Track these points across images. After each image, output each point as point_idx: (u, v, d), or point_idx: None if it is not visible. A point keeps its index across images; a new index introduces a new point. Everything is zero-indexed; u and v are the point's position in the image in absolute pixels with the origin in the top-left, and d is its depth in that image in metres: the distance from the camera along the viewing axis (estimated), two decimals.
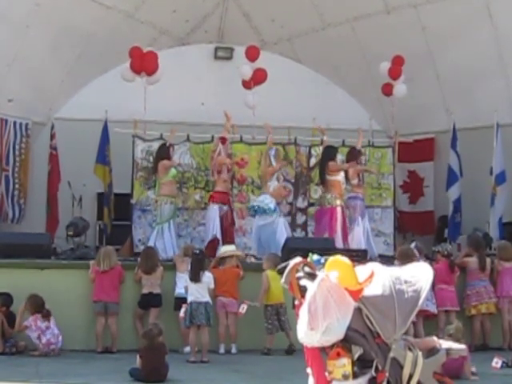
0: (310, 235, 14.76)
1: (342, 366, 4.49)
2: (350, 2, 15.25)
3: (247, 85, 14.47)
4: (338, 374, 4.50)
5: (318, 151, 14.90)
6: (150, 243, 13.03)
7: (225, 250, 12.01)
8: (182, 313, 10.76)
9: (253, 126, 14.41)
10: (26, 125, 15.12)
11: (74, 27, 14.47)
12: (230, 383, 9.41)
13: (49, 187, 15.04)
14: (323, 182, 13.87)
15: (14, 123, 14.86)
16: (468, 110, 15.32)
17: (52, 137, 15.06)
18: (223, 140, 13.92)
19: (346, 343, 4.53)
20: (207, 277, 10.83)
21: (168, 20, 15.76)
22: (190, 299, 10.70)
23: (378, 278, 4.61)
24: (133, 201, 14.29)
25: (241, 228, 14.56)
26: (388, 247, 14.82)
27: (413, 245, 12.48)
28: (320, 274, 4.55)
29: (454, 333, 9.60)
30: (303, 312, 4.50)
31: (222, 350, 11.38)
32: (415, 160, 16.44)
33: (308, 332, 4.49)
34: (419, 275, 4.71)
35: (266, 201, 13.45)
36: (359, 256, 11.80)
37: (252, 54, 14.42)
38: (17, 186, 14.93)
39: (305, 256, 4.77)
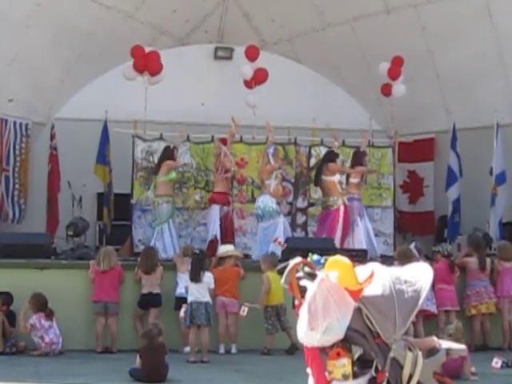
0: (310, 235, 14.76)
1: (342, 366, 4.49)
2: (350, 3, 15.25)
3: (249, 84, 14.47)
4: (338, 374, 4.50)
5: (317, 151, 14.91)
6: (151, 244, 13.03)
7: (223, 249, 11.99)
8: (182, 313, 10.76)
9: (253, 126, 14.41)
10: (26, 125, 15.13)
11: (74, 27, 14.48)
12: (230, 383, 9.42)
13: (49, 187, 15.03)
14: (318, 183, 13.84)
15: (14, 123, 14.86)
16: (468, 110, 15.32)
17: (52, 137, 15.06)
18: (224, 141, 13.92)
19: (345, 343, 4.53)
20: (208, 277, 10.82)
21: (168, 20, 15.76)
22: (190, 299, 10.69)
23: (378, 278, 4.61)
24: (133, 201, 14.30)
25: (241, 228, 14.56)
26: (388, 247, 14.82)
27: (412, 245, 12.48)
28: (320, 274, 4.55)
29: (453, 333, 9.60)
30: (303, 312, 4.50)
31: (221, 350, 11.38)
32: (415, 160, 16.45)
33: (308, 332, 4.49)
34: (419, 275, 4.71)
35: (269, 203, 13.41)
36: (359, 256, 11.82)
37: (252, 54, 14.43)
38: (17, 186, 14.93)
39: (305, 256, 4.78)
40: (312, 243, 12.96)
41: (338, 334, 4.49)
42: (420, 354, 4.62)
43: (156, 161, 13.97)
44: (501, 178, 14.58)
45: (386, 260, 12.63)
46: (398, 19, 15.03)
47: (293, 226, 14.74)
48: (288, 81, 16.15)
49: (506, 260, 12.38)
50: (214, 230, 13.33)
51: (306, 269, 4.66)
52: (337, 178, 13.86)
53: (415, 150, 16.14)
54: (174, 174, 13.59)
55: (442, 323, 11.71)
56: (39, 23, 14.08)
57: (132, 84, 14.08)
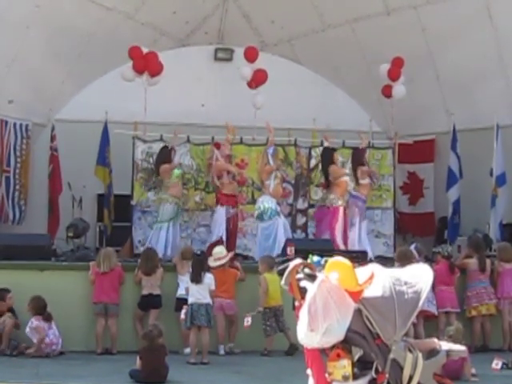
0: (310, 236, 14.76)
1: (342, 367, 4.49)
2: (350, 4, 15.25)
3: (251, 85, 14.48)
4: (338, 376, 4.50)
5: (318, 152, 14.91)
6: (148, 242, 13.05)
7: (216, 251, 11.86)
8: (182, 314, 10.76)
9: (253, 128, 14.41)
10: (27, 126, 15.12)
11: (74, 28, 14.47)
12: None
13: (50, 188, 15.03)
14: (328, 184, 13.86)
15: (14, 124, 14.85)
16: (468, 111, 15.32)
17: (52, 138, 15.05)
18: (217, 145, 13.95)
19: (346, 344, 4.52)
20: (208, 278, 10.82)
21: (168, 21, 15.76)
22: (190, 300, 10.69)
23: (378, 280, 4.61)
24: (133, 202, 14.31)
25: (241, 229, 14.54)
26: (388, 248, 14.81)
27: (413, 246, 12.48)
28: (320, 276, 4.54)
29: (454, 334, 9.60)
30: (303, 313, 4.50)
31: (221, 351, 11.38)
32: (415, 161, 16.45)
33: (308, 333, 4.49)
34: (419, 276, 4.71)
35: (268, 203, 13.40)
36: (359, 257, 11.81)
37: (251, 55, 14.43)
38: (18, 187, 14.93)
39: (305, 257, 4.77)
40: (312, 244, 12.95)
41: (338, 335, 4.48)
42: (420, 355, 4.62)
43: (155, 160, 14.00)
44: (501, 180, 14.58)
45: (386, 261, 12.67)
46: (398, 20, 15.03)
47: (293, 227, 14.74)
48: (288, 82, 16.14)
49: (506, 261, 12.38)
50: (220, 231, 13.32)
51: (306, 270, 4.65)
52: (346, 177, 13.82)
53: (415, 151, 16.14)
54: (177, 172, 13.63)
55: (442, 324, 11.70)
56: (39, 24, 14.08)
57: (132, 85, 14.09)
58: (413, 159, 16.33)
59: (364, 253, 12.83)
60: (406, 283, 4.64)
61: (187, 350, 11.03)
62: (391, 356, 4.52)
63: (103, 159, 15.12)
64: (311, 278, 4.58)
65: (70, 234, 13.79)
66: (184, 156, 14.57)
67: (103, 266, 11.44)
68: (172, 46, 16.27)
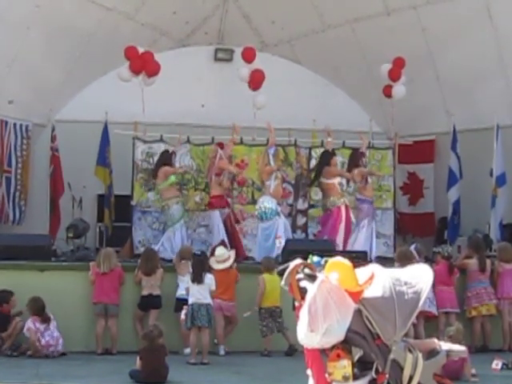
0: (311, 237, 14.76)
1: (343, 367, 4.49)
2: (350, 4, 15.25)
3: (251, 87, 14.48)
4: (339, 376, 4.50)
5: (318, 153, 14.91)
6: (159, 244, 13.05)
7: (218, 253, 11.84)
8: (182, 315, 10.75)
9: (253, 128, 14.41)
10: (27, 126, 15.12)
11: (74, 28, 14.47)
12: None
13: (52, 189, 15.03)
14: (318, 184, 13.93)
15: (15, 125, 14.85)
16: (468, 111, 15.32)
17: (53, 139, 15.06)
18: (221, 145, 13.94)
19: (346, 345, 4.52)
20: (209, 278, 10.81)
21: (168, 22, 15.76)
22: (191, 300, 10.68)
23: (378, 280, 4.61)
24: (133, 202, 14.31)
25: (241, 229, 14.57)
26: (388, 249, 14.82)
27: (413, 246, 12.48)
28: (320, 276, 4.54)
29: (454, 334, 9.60)
30: (303, 314, 4.50)
31: (222, 352, 11.37)
32: (415, 161, 16.45)
33: (308, 333, 4.49)
34: (419, 277, 4.71)
35: (269, 204, 13.40)
36: (359, 258, 11.81)
37: (248, 56, 14.43)
38: (19, 187, 14.92)
39: (305, 257, 4.77)
40: (312, 245, 12.95)
41: (338, 335, 4.48)
42: (420, 355, 4.62)
43: (155, 163, 14.00)
44: (501, 180, 14.58)
45: (386, 262, 12.67)
46: (398, 20, 15.03)
47: (293, 227, 14.75)
48: (288, 82, 16.14)
49: (506, 261, 12.38)
50: (221, 234, 13.32)
51: (306, 270, 4.65)
52: (336, 180, 13.88)
53: (415, 152, 16.14)
54: (172, 178, 13.59)
55: (442, 325, 11.70)
56: (39, 24, 14.08)
57: (132, 85, 14.08)
58: (413, 159, 16.33)
59: (364, 253, 12.84)
60: (406, 283, 4.64)
61: (187, 351, 11.03)
62: (391, 356, 4.52)
63: (103, 159, 15.13)
64: (311, 278, 4.58)
65: (70, 235, 13.80)
66: (184, 156, 14.58)
67: (103, 267, 11.43)
68: (172, 46, 16.28)
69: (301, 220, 15.15)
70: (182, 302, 11.01)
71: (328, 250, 10.89)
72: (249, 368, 10.46)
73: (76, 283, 11.61)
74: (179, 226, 13.39)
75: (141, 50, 13.93)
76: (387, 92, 15.07)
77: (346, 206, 13.74)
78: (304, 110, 15.82)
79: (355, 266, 4.61)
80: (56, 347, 10.87)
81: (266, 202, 13.43)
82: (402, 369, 4.56)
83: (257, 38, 16.34)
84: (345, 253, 11.99)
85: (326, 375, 4.57)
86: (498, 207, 14.54)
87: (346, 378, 4.49)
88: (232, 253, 11.91)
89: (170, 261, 12.33)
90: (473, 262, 12.33)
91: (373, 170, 14.74)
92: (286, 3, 15.41)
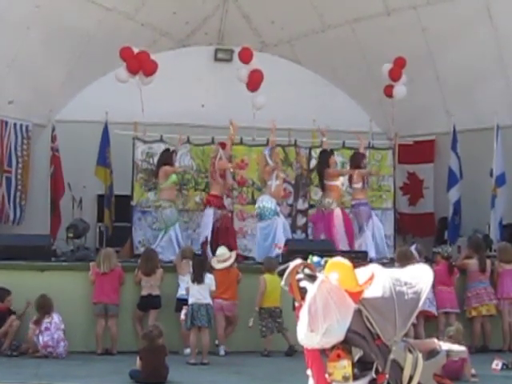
0: (310, 237, 14.76)
1: (343, 367, 4.49)
2: (350, 4, 15.24)
3: (250, 88, 14.48)
4: (339, 376, 4.50)
5: (318, 153, 14.90)
6: (155, 246, 13.04)
7: (219, 252, 11.86)
8: (182, 315, 10.76)
9: (253, 128, 14.42)
10: (27, 126, 15.11)
11: (74, 29, 14.47)
12: None
13: (53, 189, 15.03)
14: (322, 186, 13.94)
15: (15, 125, 14.84)
16: (468, 111, 15.31)
17: (53, 139, 15.05)
18: (223, 145, 13.93)
19: (346, 345, 4.52)
20: (209, 278, 10.81)
21: (168, 22, 15.76)
22: (191, 300, 10.68)
23: (378, 280, 4.61)
24: (133, 202, 14.31)
25: (241, 230, 14.57)
26: (388, 249, 14.79)
27: (413, 247, 12.48)
28: (320, 276, 4.54)
29: (454, 334, 9.60)
30: (303, 314, 4.50)
31: (222, 352, 11.37)
32: (415, 162, 16.45)
33: (308, 334, 4.49)
34: (419, 277, 4.71)
35: (268, 203, 13.40)
36: (359, 258, 11.83)
37: (246, 56, 14.43)
38: (19, 187, 14.92)
39: (305, 257, 4.78)
40: (312, 245, 12.95)
41: (338, 335, 4.48)
42: (420, 355, 4.62)
43: (156, 162, 13.99)
44: (501, 180, 14.58)
45: (386, 262, 12.67)
46: (398, 20, 15.03)
47: (293, 227, 14.75)
48: (288, 82, 16.14)
49: (507, 262, 12.38)
50: (206, 232, 13.31)
51: (306, 270, 4.66)
52: (339, 181, 13.86)
53: (415, 152, 16.14)
54: (174, 177, 13.55)
55: (441, 325, 11.71)
56: (39, 24, 14.07)
57: (132, 86, 14.07)
58: (413, 160, 16.32)
59: (364, 253, 12.84)
60: (406, 284, 4.65)
61: (187, 351, 11.03)
62: (391, 356, 4.52)
63: (103, 160, 15.12)
64: (311, 278, 4.58)
65: (70, 235, 13.79)
66: (184, 156, 14.57)
67: (103, 267, 11.44)
68: (172, 47, 16.27)
69: (301, 220, 15.15)
70: (183, 302, 11.01)
71: (328, 250, 10.89)
72: (249, 368, 10.46)
73: (76, 283, 11.61)
74: (173, 229, 13.33)
75: (135, 50, 13.91)
76: (388, 92, 15.07)
77: (342, 210, 13.74)
78: (304, 110, 15.81)
79: (355, 266, 4.61)
80: (55, 349, 10.83)
81: (265, 202, 13.43)
82: (401, 369, 4.56)
83: (257, 38, 16.34)
84: (345, 253, 11.98)
85: (326, 375, 4.57)
86: (498, 207, 14.54)
87: (345, 378, 4.49)
88: (233, 253, 11.93)
89: (165, 262, 12.33)
90: (473, 263, 12.33)
91: (372, 171, 14.73)
92: (286, 3, 15.41)
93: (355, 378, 4.51)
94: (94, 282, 11.47)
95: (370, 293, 4.56)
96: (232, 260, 11.70)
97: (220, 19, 16.15)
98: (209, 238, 13.13)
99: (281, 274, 4.75)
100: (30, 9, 13.78)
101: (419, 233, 16.14)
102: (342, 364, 4.49)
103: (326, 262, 4.67)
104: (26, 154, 15.08)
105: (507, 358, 10.59)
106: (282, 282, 4.73)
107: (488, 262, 12.38)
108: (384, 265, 5.00)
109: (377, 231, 13.94)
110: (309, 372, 4.71)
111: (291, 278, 4.65)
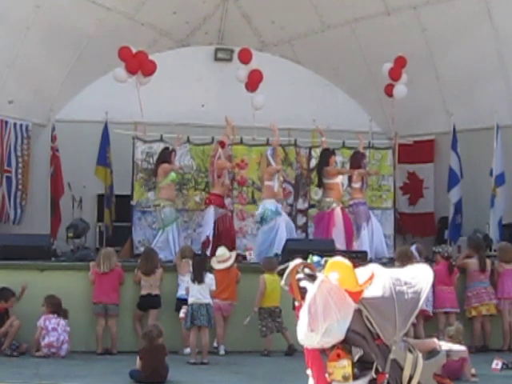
0: (311, 237, 14.76)
1: (343, 367, 4.50)
2: (350, 4, 15.24)
3: (248, 88, 14.48)
4: (339, 376, 4.50)
5: (318, 153, 14.90)
6: (153, 245, 13.03)
7: (219, 253, 11.85)
8: (181, 313, 10.75)
9: (253, 128, 14.42)
10: (27, 126, 15.10)
11: (73, 29, 14.47)
12: None
13: (52, 189, 15.03)
14: (321, 185, 13.95)
15: (15, 125, 14.83)
16: (468, 111, 15.31)
17: (53, 139, 15.05)
18: (222, 144, 13.93)
19: (346, 345, 4.53)
20: (209, 278, 10.80)
21: (168, 21, 15.76)
22: (190, 300, 10.67)
23: (378, 280, 4.61)
24: (133, 202, 14.31)
25: (241, 229, 14.57)
26: (388, 249, 14.80)
27: (414, 247, 12.48)
28: (320, 276, 4.55)
29: (454, 334, 9.60)
30: (303, 313, 4.50)
31: (222, 352, 11.37)
32: (415, 161, 16.44)
33: (308, 333, 4.49)
34: (419, 276, 4.72)
35: (267, 207, 13.38)
36: (359, 257, 11.82)
37: (245, 57, 14.43)
38: (19, 187, 14.91)
39: (305, 257, 4.78)
40: (312, 245, 12.95)
41: (338, 335, 4.49)
42: (420, 355, 4.62)
43: (155, 161, 14.01)
44: (500, 179, 14.58)
45: (386, 261, 12.68)
46: (398, 20, 15.03)
47: None
48: (288, 82, 16.14)
49: (507, 262, 12.38)
50: (208, 231, 13.31)
51: (306, 270, 4.66)
52: (339, 179, 13.87)
53: (415, 152, 16.14)
54: (173, 175, 13.52)
55: (441, 325, 11.71)
56: (39, 24, 14.07)
57: (132, 86, 14.08)
58: (413, 159, 16.32)
59: (364, 253, 12.84)
60: (406, 283, 4.65)
61: (187, 350, 11.02)
62: (391, 356, 4.52)
63: (104, 159, 15.12)
64: (311, 278, 4.59)
65: (70, 235, 13.79)
66: (184, 156, 14.58)
67: (103, 267, 11.43)
68: (172, 46, 16.27)
69: (301, 220, 15.15)
70: (183, 301, 11.01)
71: (328, 250, 10.88)
72: (249, 368, 10.46)
73: (76, 283, 11.61)
74: (170, 229, 13.32)
75: (134, 50, 13.91)
76: (388, 91, 15.06)
77: (343, 210, 13.74)
78: (304, 110, 15.81)
79: (355, 266, 4.62)
80: (58, 350, 10.83)
81: (268, 205, 13.40)
82: (401, 369, 4.56)
83: (257, 37, 16.35)
84: (345, 253, 11.98)
85: (326, 375, 4.57)
86: (497, 207, 14.54)
87: (345, 378, 4.49)
88: (233, 253, 11.93)
89: (165, 262, 12.32)
90: (473, 262, 12.32)
91: (370, 171, 14.73)
92: (286, 3, 15.41)
93: (355, 377, 4.52)
94: (94, 282, 11.47)
95: (370, 292, 4.56)
96: (232, 260, 11.70)
97: (220, 19, 16.15)
98: (210, 237, 13.13)
99: (281, 273, 4.75)
100: (30, 9, 13.79)
101: (419, 232, 16.14)
102: (342, 364, 4.50)
103: (325, 261, 4.67)
104: (26, 154, 15.07)
105: (507, 357, 10.58)
106: (282, 282, 4.73)
107: (488, 261, 12.38)
108: (383, 264, 4.99)
109: (376, 232, 13.95)
110: (309, 372, 4.71)
111: (291, 277, 4.66)
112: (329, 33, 15.93)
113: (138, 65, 13.83)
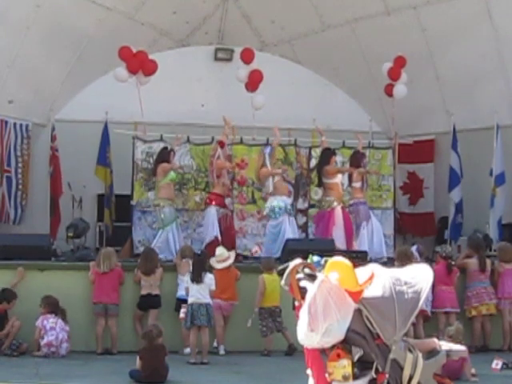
0: (311, 236, 14.76)
1: (343, 367, 4.50)
2: (350, 4, 15.24)
3: (248, 88, 14.48)
4: (339, 375, 4.51)
5: (318, 152, 14.89)
6: (153, 245, 13.02)
7: (218, 252, 11.85)
8: (181, 313, 10.76)
9: (253, 128, 14.42)
10: (27, 126, 15.10)
11: (74, 28, 14.47)
12: None
13: (52, 188, 15.02)
14: (321, 184, 13.95)
15: (15, 124, 14.83)
16: (468, 111, 15.31)
17: (53, 138, 15.05)
18: (221, 144, 13.93)
19: (346, 344, 4.53)
20: (209, 278, 10.81)
21: (168, 21, 15.76)
22: (190, 300, 10.68)
23: (378, 280, 4.61)
24: (133, 202, 14.30)
25: (241, 229, 14.57)
26: (388, 248, 14.80)
27: (414, 247, 12.49)
28: (320, 276, 4.55)
29: (454, 334, 9.60)
30: (303, 313, 4.50)
31: (222, 351, 11.38)
32: (415, 161, 16.44)
33: (308, 333, 4.49)
34: (419, 276, 4.72)
35: (279, 203, 13.39)
36: (359, 257, 11.82)
37: (247, 57, 14.42)
38: (19, 186, 14.91)
39: (305, 257, 4.78)
40: (312, 244, 12.95)
41: (338, 335, 4.49)
42: (420, 355, 4.63)
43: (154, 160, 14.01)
44: (500, 179, 14.59)
45: (386, 261, 12.68)
46: (398, 20, 15.03)
47: None
48: (288, 82, 16.14)
49: (507, 261, 12.38)
50: (214, 230, 13.31)
51: (306, 270, 4.66)
52: (338, 179, 13.86)
53: (415, 152, 16.15)
54: (172, 174, 13.52)
55: (441, 324, 11.71)
56: (39, 24, 14.07)
57: (132, 85, 14.08)
58: (413, 159, 16.32)
59: (364, 253, 12.84)
60: (406, 283, 4.65)
61: (187, 350, 11.03)
62: (391, 356, 4.52)
63: (104, 159, 15.12)
64: (311, 277, 4.59)
65: (70, 234, 13.79)
66: (184, 156, 14.58)
67: (103, 266, 11.43)
68: (172, 46, 16.26)
69: (301, 220, 15.14)
70: (183, 301, 11.01)
71: (328, 250, 10.89)
72: (249, 368, 10.46)
73: (76, 283, 11.62)
74: (170, 229, 13.32)
75: (134, 50, 13.91)
76: (389, 91, 15.05)
77: (343, 209, 13.73)
78: (304, 110, 15.80)
79: (355, 266, 4.62)
80: (58, 349, 10.84)
81: (275, 201, 13.42)
82: (401, 368, 4.56)
83: (257, 37, 16.34)
84: (345, 253, 11.98)
85: (326, 375, 4.57)
86: (497, 207, 14.55)
87: (345, 378, 4.49)
88: (232, 253, 11.93)
89: (165, 261, 12.32)
90: (473, 262, 12.33)
91: (370, 170, 14.73)
92: (286, 3, 15.42)
93: (355, 377, 4.52)
94: (94, 282, 11.47)
95: (370, 292, 4.56)
96: (231, 260, 11.71)
97: (220, 19, 16.15)
98: (219, 238, 13.11)
99: (281, 273, 4.75)
100: (30, 8, 13.79)
101: (419, 232, 16.14)
102: (342, 363, 4.50)
103: (325, 261, 4.67)
104: (25, 154, 15.07)
105: (507, 357, 10.59)
106: (282, 282, 4.73)
107: (488, 261, 12.38)
108: (383, 264, 4.99)
109: (376, 231, 13.95)
110: (309, 371, 4.71)
111: (291, 277, 4.66)
112: (329, 33, 15.93)
113: (139, 64, 13.84)
